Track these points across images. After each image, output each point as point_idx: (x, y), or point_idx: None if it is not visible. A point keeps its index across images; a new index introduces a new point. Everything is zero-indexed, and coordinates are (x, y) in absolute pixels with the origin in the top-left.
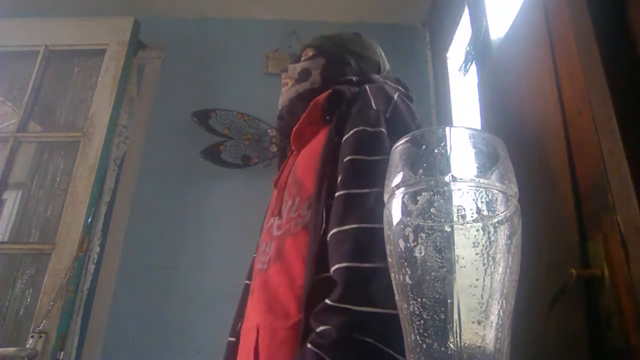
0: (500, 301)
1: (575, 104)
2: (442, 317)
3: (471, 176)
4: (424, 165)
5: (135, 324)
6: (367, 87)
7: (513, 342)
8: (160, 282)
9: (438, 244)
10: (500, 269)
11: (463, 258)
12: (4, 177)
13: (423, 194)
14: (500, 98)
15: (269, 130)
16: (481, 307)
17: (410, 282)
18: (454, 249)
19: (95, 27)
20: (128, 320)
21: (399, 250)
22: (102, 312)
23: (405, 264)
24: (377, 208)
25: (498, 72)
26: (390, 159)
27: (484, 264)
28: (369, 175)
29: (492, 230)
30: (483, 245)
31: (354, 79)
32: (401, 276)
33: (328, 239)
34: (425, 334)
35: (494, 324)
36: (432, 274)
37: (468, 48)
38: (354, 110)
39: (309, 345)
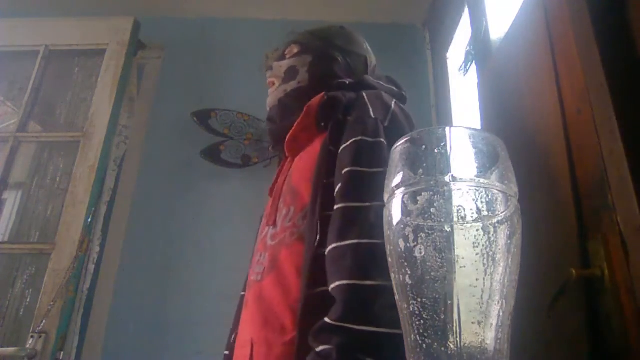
0: (500, 301)
1: (575, 104)
2: (442, 317)
3: (471, 176)
4: (424, 165)
5: (135, 324)
6: (364, 94)
7: (513, 342)
8: (160, 282)
9: (438, 244)
10: (500, 269)
11: (463, 258)
12: (4, 177)
13: (423, 194)
14: (500, 98)
15: None
16: (481, 307)
17: (410, 282)
18: (454, 249)
19: (95, 27)
20: (128, 320)
21: (399, 250)
22: (102, 312)
23: (405, 264)
24: (378, 223)
25: (498, 72)
26: (390, 158)
27: (484, 264)
28: (369, 188)
29: (492, 230)
30: (483, 245)
31: (347, 81)
32: (401, 276)
33: (326, 253)
34: (425, 334)
35: (494, 324)
36: (432, 274)
37: (468, 48)
38: (351, 119)
39: None
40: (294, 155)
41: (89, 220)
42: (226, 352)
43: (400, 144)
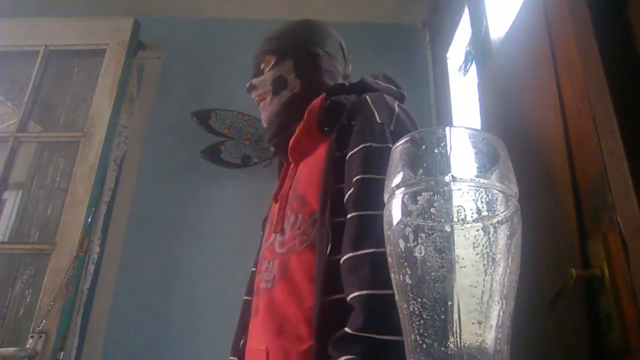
0: (500, 301)
1: (575, 104)
2: (442, 317)
3: (471, 176)
4: (424, 165)
5: (135, 324)
6: (367, 97)
7: (513, 342)
8: (160, 282)
9: (438, 244)
10: (500, 269)
11: (463, 258)
12: (4, 177)
13: (423, 194)
14: (500, 98)
15: None
16: (481, 307)
17: (410, 282)
18: (454, 249)
19: (95, 27)
20: (128, 320)
21: (399, 250)
22: (102, 312)
23: (405, 264)
24: None
25: (498, 72)
26: (391, 158)
27: (484, 264)
28: (381, 196)
29: (492, 230)
30: (483, 246)
31: (347, 83)
32: (401, 276)
33: (342, 263)
34: (425, 334)
35: (493, 324)
36: (432, 274)
37: (468, 48)
38: (356, 124)
39: None
40: (298, 161)
41: (89, 220)
42: (232, 358)
43: (400, 144)
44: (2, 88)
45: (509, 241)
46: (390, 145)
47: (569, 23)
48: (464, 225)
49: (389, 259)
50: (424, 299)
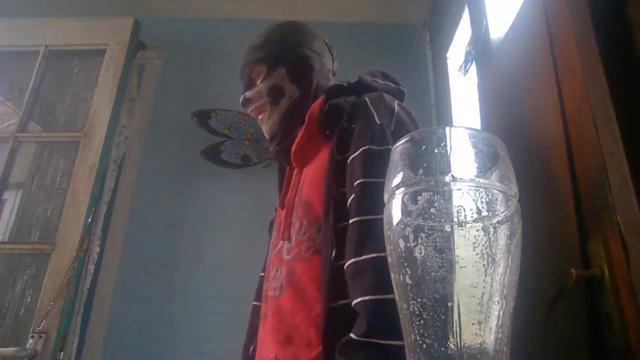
0: (500, 301)
1: (575, 103)
2: (442, 317)
3: (471, 176)
4: (424, 165)
5: (135, 324)
6: (366, 98)
7: (513, 342)
8: (160, 282)
9: (438, 244)
10: (500, 269)
11: (463, 258)
12: (4, 177)
13: (423, 194)
14: (500, 98)
15: None
16: (481, 307)
17: (410, 282)
18: (454, 249)
19: (95, 27)
20: (128, 320)
21: (399, 250)
22: (102, 312)
23: (405, 264)
24: None
25: (498, 72)
26: (391, 158)
27: (484, 264)
28: (382, 199)
29: (492, 230)
30: (483, 246)
31: (346, 84)
32: (401, 276)
33: (345, 268)
34: (425, 334)
35: (494, 324)
36: (432, 274)
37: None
38: (356, 126)
39: None
40: (301, 166)
41: (89, 220)
42: None
43: (400, 144)
44: (2, 88)
45: (509, 241)
46: (391, 146)
47: (569, 23)
48: (464, 225)
49: (389, 259)
50: (424, 299)
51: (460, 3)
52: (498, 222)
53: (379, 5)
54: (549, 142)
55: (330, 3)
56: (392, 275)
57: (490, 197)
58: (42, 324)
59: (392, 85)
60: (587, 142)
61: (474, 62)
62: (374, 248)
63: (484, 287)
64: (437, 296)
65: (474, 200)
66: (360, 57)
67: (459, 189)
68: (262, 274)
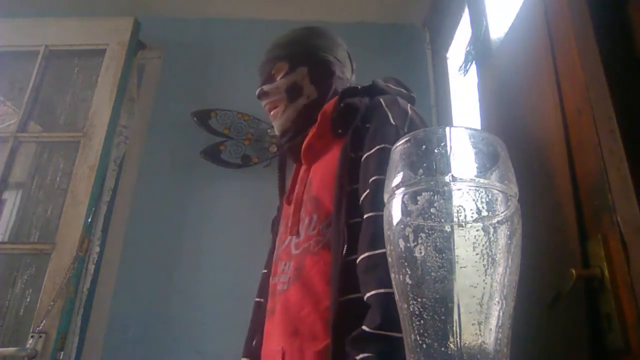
0: (500, 301)
1: (575, 103)
2: (442, 317)
3: (471, 176)
4: (424, 165)
5: (135, 324)
6: (381, 100)
7: (513, 342)
8: (160, 282)
9: (438, 244)
10: (500, 269)
11: (463, 258)
12: (4, 177)
13: (423, 194)
14: (500, 98)
15: (269, 130)
16: (481, 307)
17: (410, 282)
18: (454, 249)
19: (95, 27)
20: (128, 320)
21: (399, 250)
22: (102, 312)
23: (405, 264)
24: None
25: (498, 72)
26: (391, 158)
27: (484, 265)
28: None
29: (492, 230)
30: (483, 246)
31: (360, 86)
32: (401, 276)
33: (358, 262)
34: (426, 334)
35: (494, 325)
36: (432, 274)
37: (468, 48)
38: (371, 126)
39: None
40: (310, 164)
41: (89, 220)
42: (244, 359)
43: (400, 144)
44: (2, 88)
45: (509, 241)
46: None
47: (569, 23)
48: (464, 225)
49: (389, 259)
50: (424, 299)
51: (460, 3)
52: (498, 222)
53: (379, 5)
54: (549, 142)
55: (330, 3)
56: (392, 275)
57: (490, 197)
58: (42, 324)
59: (404, 91)
60: (587, 142)
61: (474, 62)
62: None
63: (484, 287)
64: (437, 296)
65: (474, 200)
66: (360, 57)
67: (459, 189)
68: (265, 270)
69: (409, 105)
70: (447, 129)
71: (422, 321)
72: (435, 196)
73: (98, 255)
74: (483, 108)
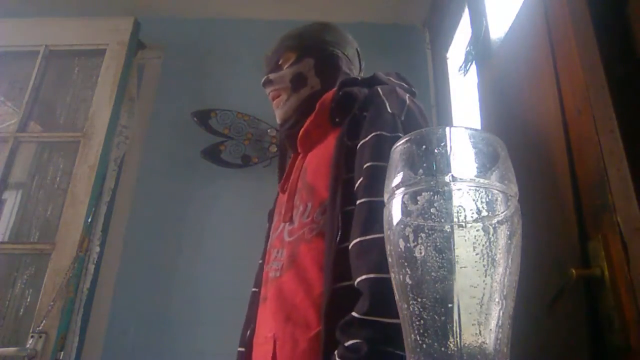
0: (500, 302)
1: (575, 104)
2: (442, 317)
3: (471, 176)
4: (424, 165)
5: (135, 324)
6: (379, 89)
7: (513, 342)
8: (160, 282)
9: (438, 244)
10: (500, 269)
11: (463, 258)
12: (4, 177)
13: (423, 194)
14: (500, 98)
15: (269, 130)
16: (481, 307)
17: (410, 282)
18: (454, 250)
19: (95, 27)
20: (128, 320)
21: (399, 250)
22: (102, 312)
23: (405, 264)
24: None
25: (498, 72)
26: (391, 158)
27: (484, 265)
28: None
29: (492, 230)
30: (483, 246)
31: (360, 77)
32: (401, 276)
33: (350, 247)
34: (425, 334)
35: (494, 325)
36: (432, 274)
37: (468, 48)
38: (368, 114)
39: None
40: (306, 152)
41: (89, 220)
42: (241, 349)
43: (400, 143)
44: (2, 88)
45: (509, 241)
46: (401, 135)
47: (569, 23)
48: (464, 225)
49: (389, 259)
50: (424, 299)
51: (460, 3)
52: (498, 222)
53: (379, 6)
54: (549, 142)
55: (330, 3)
56: (392, 275)
57: (490, 197)
58: (42, 324)
59: (405, 85)
60: (587, 142)
61: (474, 62)
62: (380, 229)
63: (484, 288)
64: (437, 296)
65: (474, 200)
66: (361, 57)
67: (459, 189)
68: (261, 261)
69: (407, 95)
70: (447, 129)
71: (422, 321)
72: (435, 196)
73: (98, 255)
74: (483, 108)
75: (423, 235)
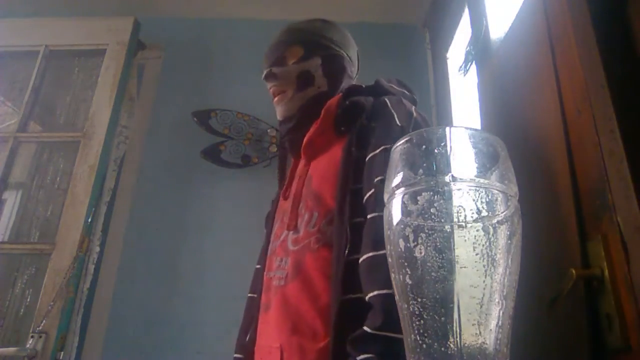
0: (500, 302)
1: (575, 104)
2: (442, 317)
3: (471, 176)
4: (424, 165)
5: (135, 324)
6: (387, 100)
7: (513, 342)
8: (160, 282)
9: (438, 244)
10: (500, 269)
11: (463, 258)
12: (4, 177)
13: (423, 194)
14: (500, 98)
15: (269, 130)
16: (481, 307)
17: (410, 282)
18: (454, 250)
19: (95, 27)
20: (128, 320)
21: (399, 250)
22: (102, 312)
23: (405, 264)
24: None
25: (498, 72)
26: (391, 158)
27: (484, 265)
28: None
29: (492, 230)
30: (483, 246)
31: (364, 85)
32: (401, 276)
33: (360, 261)
34: (426, 334)
35: (493, 325)
36: (432, 274)
37: (468, 48)
38: (376, 125)
39: None
40: (310, 159)
41: (89, 220)
42: (238, 356)
43: (400, 144)
44: (2, 88)
45: (509, 241)
46: None
47: (569, 23)
48: (464, 225)
49: (389, 259)
50: (424, 299)
51: (460, 3)
52: (498, 222)
53: (379, 6)
54: (549, 142)
55: (330, 3)
56: (392, 275)
57: (490, 197)
58: (42, 324)
59: (407, 93)
60: (587, 142)
61: (474, 62)
62: None
63: (484, 288)
64: (437, 296)
65: (474, 200)
66: (361, 57)
67: (459, 189)
68: (258, 266)
69: (413, 107)
70: (447, 129)
71: (422, 321)
72: (435, 196)
73: (98, 255)
74: (483, 108)
75: (423, 235)
